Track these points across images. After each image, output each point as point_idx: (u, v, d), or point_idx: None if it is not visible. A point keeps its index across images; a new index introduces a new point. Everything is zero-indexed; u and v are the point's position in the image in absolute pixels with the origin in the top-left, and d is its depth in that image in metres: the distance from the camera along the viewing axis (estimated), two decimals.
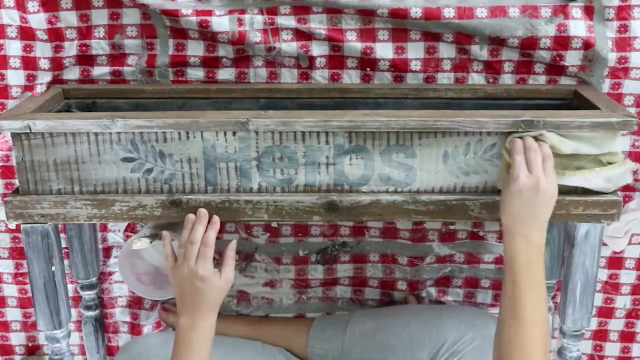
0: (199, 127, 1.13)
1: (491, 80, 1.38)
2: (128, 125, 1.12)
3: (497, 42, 1.33)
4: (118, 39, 1.36)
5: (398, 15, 1.30)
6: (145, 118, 1.13)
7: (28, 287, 1.49)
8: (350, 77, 1.39)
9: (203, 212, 1.17)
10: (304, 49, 1.35)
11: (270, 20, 1.33)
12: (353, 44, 1.34)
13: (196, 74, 1.39)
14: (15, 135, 1.15)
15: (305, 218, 1.19)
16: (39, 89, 1.37)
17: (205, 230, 1.16)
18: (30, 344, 1.61)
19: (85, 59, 1.38)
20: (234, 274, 1.19)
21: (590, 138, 1.14)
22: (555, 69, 1.36)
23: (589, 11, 1.31)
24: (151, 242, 1.26)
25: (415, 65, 1.36)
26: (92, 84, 1.39)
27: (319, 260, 1.54)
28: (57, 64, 1.37)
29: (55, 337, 1.29)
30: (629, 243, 1.46)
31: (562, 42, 1.32)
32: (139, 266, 1.39)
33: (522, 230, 1.08)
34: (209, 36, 1.34)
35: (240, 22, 1.33)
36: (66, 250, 1.45)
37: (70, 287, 1.49)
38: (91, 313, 1.53)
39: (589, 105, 1.23)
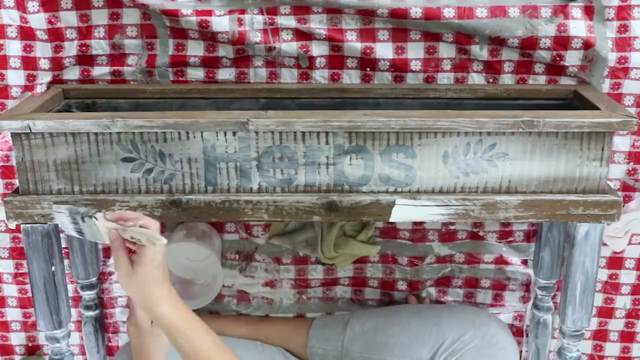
0: (199, 127, 1.13)
1: (491, 80, 1.38)
2: (128, 125, 1.12)
3: (497, 42, 1.33)
4: (118, 39, 1.36)
5: (398, 15, 1.30)
6: (145, 118, 1.13)
7: (28, 287, 1.49)
8: (350, 77, 1.39)
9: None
10: (304, 49, 1.35)
11: (270, 20, 1.33)
12: (353, 44, 1.34)
13: (196, 74, 1.39)
14: (15, 135, 1.15)
15: (305, 218, 1.19)
16: (39, 89, 1.37)
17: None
18: (30, 344, 1.61)
19: (85, 59, 1.38)
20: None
21: None
22: (555, 69, 1.36)
23: (589, 11, 1.31)
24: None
25: (415, 65, 1.36)
26: (92, 84, 1.39)
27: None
28: (57, 64, 1.37)
29: (55, 337, 1.29)
30: (629, 243, 1.46)
31: (562, 42, 1.31)
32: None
33: None
34: (209, 36, 1.34)
35: (240, 22, 1.33)
36: (66, 250, 1.45)
37: (70, 287, 1.49)
38: (91, 313, 1.53)
39: (589, 105, 1.23)
